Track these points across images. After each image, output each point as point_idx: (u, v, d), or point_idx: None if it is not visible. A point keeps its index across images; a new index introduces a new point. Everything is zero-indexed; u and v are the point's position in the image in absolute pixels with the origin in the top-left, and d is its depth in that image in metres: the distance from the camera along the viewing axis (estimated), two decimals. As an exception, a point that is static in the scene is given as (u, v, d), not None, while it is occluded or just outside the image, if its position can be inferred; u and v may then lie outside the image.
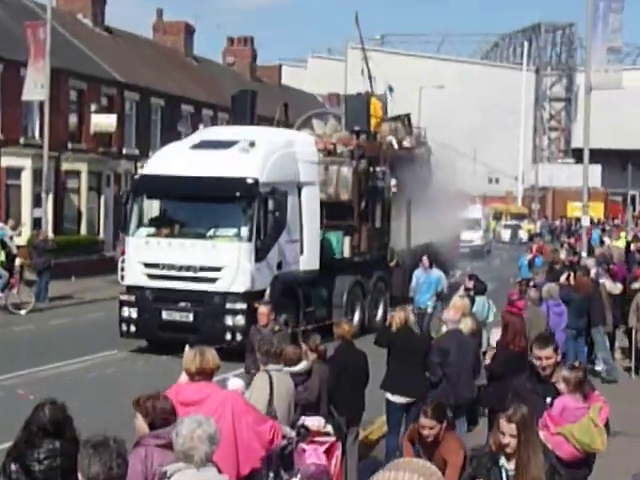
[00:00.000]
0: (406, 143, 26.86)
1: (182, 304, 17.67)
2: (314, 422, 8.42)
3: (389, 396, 10.64)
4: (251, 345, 10.81)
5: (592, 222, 40.72)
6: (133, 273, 18.20)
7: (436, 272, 19.24)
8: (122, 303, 18.24)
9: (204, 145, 18.88)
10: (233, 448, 6.37)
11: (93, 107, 35.55)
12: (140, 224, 18.60)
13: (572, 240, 37.09)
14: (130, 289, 18.30)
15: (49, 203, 29.82)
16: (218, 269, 17.42)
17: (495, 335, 15.02)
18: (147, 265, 17.93)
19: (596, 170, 67.17)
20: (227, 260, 17.35)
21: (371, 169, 22.22)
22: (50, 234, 28.35)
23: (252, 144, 18.13)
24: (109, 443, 4.37)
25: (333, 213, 21.05)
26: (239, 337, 16.94)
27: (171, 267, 17.61)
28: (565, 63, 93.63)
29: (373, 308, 22.00)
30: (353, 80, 39.53)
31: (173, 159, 18.68)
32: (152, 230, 18.42)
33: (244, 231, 17.50)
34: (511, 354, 10.78)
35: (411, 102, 49.78)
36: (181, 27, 50.40)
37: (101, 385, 15.01)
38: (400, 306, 11.82)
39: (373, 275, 22.14)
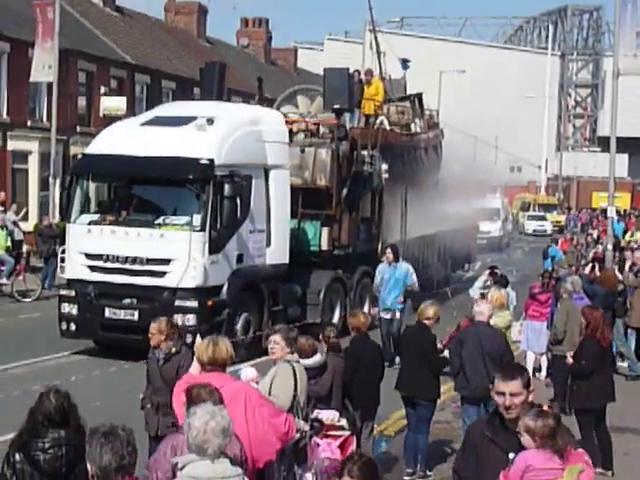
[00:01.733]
0: (414, 126, 25.99)
1: (127, 301, 16.16)
2: (328, 415, 8.47)
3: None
4: (148, 373, 9.34)
5: (618, 213, 40.68)
6: (74, 265, 16.66)
7: (403, 266, 16.86)
8: (61, 298, 16.87)
9: (157, 122, 17.33)
10: (247, 441, 6.40)
11: (102, 89, 35.60)
12: (83, 210, 17.08)
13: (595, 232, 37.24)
14: (71, 283, 16.82)
15: (56, 188, 29.97)
16: (167, 262, 15.91)
17: (515, 329, 15.04)
18: (89, 256, 16.42)
19: (623, 159, 66.89)
20: (177, 252, 15.83)
21: (355, 152, 20.29)
22: (56, 220, 28.48)
23: (210, 121, 16.52)
24: (118, 432, 4.42)
25: (310, 201, 19.26)
26: (189, 339, 15.59)
27: (115, 259, 16.14)
28: (592, 48, 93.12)
29: (357, 306, 19.76)
30: (371, 63, 39.47)
31: (120, 137, 17.09)
32: (95, 217, 16.90)
33: (197, 219, 15.95)
34: (599, 349, 10.75)
35: (431, 86, 49.67)
36: (194, 8, 50.38)
37: (109, 378, 15.07)
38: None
39: (357, 270, 20.42)
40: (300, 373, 7.73)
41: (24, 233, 25.53)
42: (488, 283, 15.87)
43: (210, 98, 19.77)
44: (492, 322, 11.50)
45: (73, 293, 16.56)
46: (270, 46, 57.60)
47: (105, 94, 35.67)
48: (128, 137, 16.89)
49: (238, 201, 16.09)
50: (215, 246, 16.02)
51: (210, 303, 15.89)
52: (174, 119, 17.17)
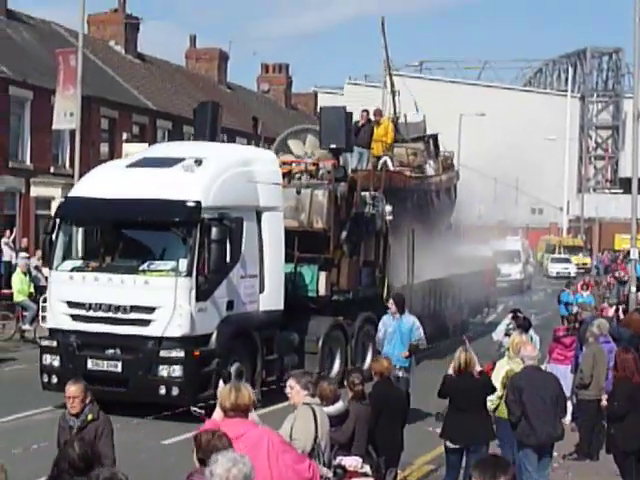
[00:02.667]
0: (427, 167, 25.38)
1: (110, 351, 15.27)
2: (351, 462, 8.38)
3: (447, 442, 10.42)
4: (59, 443, 8.22)
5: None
6: (55, 314, 15.79)
7: (409, 319, 15.14)
8: (43, 349, 16.01)
9: (143, 163, 16.54)
10: (270, 487, 6.38)
11: (125, 136, 35.79)
12: (65, 256, 16.24)
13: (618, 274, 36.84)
14: (52, 333, 15.95)
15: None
16: (151, 309, 14.97)
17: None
18: (71, 304, 15.54)
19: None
20: (162, 299, 14.88)
21: (355, 194, 19.35)
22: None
23: (198, 162, 15.78)
24: (119, 477, 4.41)
25: (306, 244, 18.36)
26: (175, 392, 14.77)
27: (98, 307, 15.22)
28: (612, 89, 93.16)
29: (359, 355, 19.15)
30: (391, 106, 39.62)
31: (104, 179, 16.39)
32: (78, 263, 16.11)
33: (183, 264, 15.03)
34: (632, 390, 10.59)
35: (450, 129, 49.79)
36: (215, 54, 50.85)
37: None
38: (462, 347, 10.80)
39: (359, 316, 19.32)
40: (321, 416, 7.67)
41: (47, 279, 25.62)
42: (511, 327, 15.71)
43: (203, 138, 19.02)
44: (508, 367, 11.44)
45: (55, 344, 15.74)
46: (290, 91, 57.96)
47: (127, 140, 35.83)
48: (113, 179, 16.22)
49: (228, 245, 15.32)
50: (203, 292, 15.16)
51: (197, 353, 14.99)
52: (161, 160, 16.44)
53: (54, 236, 16.27)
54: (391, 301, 15.24)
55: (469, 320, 27.71)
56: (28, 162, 31.35)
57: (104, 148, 35.44)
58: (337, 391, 8.85)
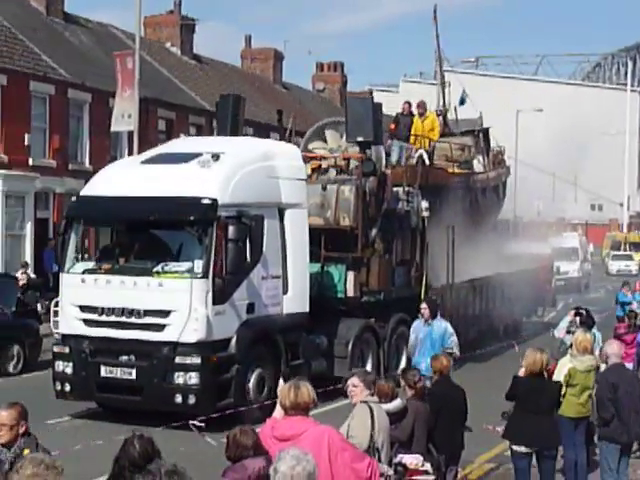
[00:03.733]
0: (476, 163, 24.58)
1: (124, 358, 14.44)
2: (412, 460, 8.38)
3: (514, 446, 10.11)
4: None
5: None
6: (67, 318, 14.97)
7: (441, 324, 14.26)
8: (55, 356, 15.10)
9: (158, 159, 15.67)
10: (330, 486, 6.39)
11: (182, 137, 36.11)
12: (78, 258, 15.42)
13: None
14: (65, 339, 15.08)
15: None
16: (166, 313, 14.10)
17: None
18: (83, 309, 14.72)
19: None
20: (177, 302, 14.04)
21: (386, 189, 18.35)
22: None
23: (216, 157, 14.86)
24: (183, 471, 4.46)
25: (333, 243, 17.50)
26: (192, 400, 13.91)
27: (110, 311, 14.38)
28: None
29: (393, 359, 18.27)
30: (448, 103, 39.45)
31: (117, 176, 15.58)
32: (90, 265, 15.24)
33: (198, 265, 14.12)
34: None
35: (508, 126, 49.45)
36: (270, 54, 50.94)
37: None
38: (534, 347, 10.43)
39: (391, 318, 18.31)
40: (379, 413, 7.67)
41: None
42: (572, 327, 15.46)
43: (223, 133, 18.28)
44: (571, 365, 11.30)
45: (67, 350, 14.87)
46: (346, 89, 57.84)
47: (185, 141, 36.17)
48: (125, 176, 15.40)
49: (248, 244, 14.49)
50: (220, 295, 14.22)
51: (215, 359, 14.10)
52: (177, 156, 15.57)
53: (66, 237, 15.44)
54: (423, 305, 14.23)
55: (522, 320, 26.70)
56: (87, 164, 31.57)
57: (162, 149, 35.69)
58: (394, 389, 8.87)
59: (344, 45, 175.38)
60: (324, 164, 18.61)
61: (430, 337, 13.96)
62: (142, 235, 15.32)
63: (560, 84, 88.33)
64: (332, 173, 18.49)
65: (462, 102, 31.04)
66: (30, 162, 29.19)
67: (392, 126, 22.61)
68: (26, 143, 29.21)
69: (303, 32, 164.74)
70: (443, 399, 9.57)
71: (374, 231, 18.17)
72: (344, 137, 19.36)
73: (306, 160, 18.02)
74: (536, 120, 60.67)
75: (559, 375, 11.17)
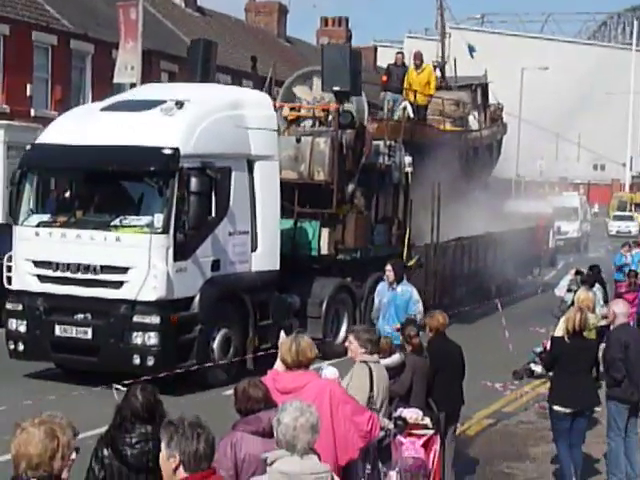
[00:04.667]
0: (471, 119, 23.78)
1: (79, 316, 13.53)
2: (412, 414, 8.41)
3: (556, 407, 9.74)
4: None
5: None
6: (21, 274, 14.00)
7: (406, 288, 13.00)
8: (8, 314, 14.16)
9: (119, 107, 14.57)
10: (331, 438, 6.38)
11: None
12: (32, 210, 14.36)
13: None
14: (19, 295, 14.06)
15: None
16: (124, 270, 13.19)
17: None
18: (37, 264, 13.82)
19: None
20: (135, 258, 13.15)
21: (364, 142, 17.24)
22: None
23: (180, 104, 13.74)
24: (204, 423, 4.49)
25: (307, 198, 16.55)
26: (151, 361, 13.05)
27: (65, 267, 13.47)
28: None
29: (369, 319, 16.56)
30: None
31: (75, 124, 14.44)
32: (45, 217, 14.16)
33: (158, 219, 13.17)
34: None
35: (512, 84, 49.22)
36: (274, 7, 50.40)
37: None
38: (576, 307, 10.05)
39: (369, 277, 17.19)
40: (378, 374, 7.68)
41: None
42: (573, 286, 15.46)
43: (194, 80, 17.30)
44: None
45: (20, 307, 13.95)
46: (350, 45, 57.67)
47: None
48: (84, 124, 14.28)
49: (213, 198, 13.59)
50: (182, 251, 13.30)
51: (175, 318, 13.24)
52: (140, 103, 14.48)
53: (20, 188, 14.32)
54: (388, 267, 12.97)
55: (517, 280, 26.03)
56: (89, 116, 31.55)
57: (164, 102, 35.52)
58: (392, 344, 8.92)
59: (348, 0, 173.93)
60: (302, 114, 17.69)
61: (394, 303, 12.81)
62: (100, 187, 14.19)
63: (565, 42, 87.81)
64: (307, 124, 17.54)
65: (471, 51, 30.54)
66: (32, 113, 28.96)
67: (384, 78, 21.84)
68: (28, 94, 28.94)
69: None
70: (441, 355, 9.58)
71: (351, 186, 17.21)
72: (313, 88, 18.44)
73: (282, 109, 17.30)
74: (541, 78, 60.40)
75: (559, 333, 11.17)
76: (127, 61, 28.23)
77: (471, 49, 30.38)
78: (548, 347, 11.05)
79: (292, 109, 17.62)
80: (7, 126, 27.66)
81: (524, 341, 16.22)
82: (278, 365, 6.82)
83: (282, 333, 7.48)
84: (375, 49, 62.50)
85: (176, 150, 13.18)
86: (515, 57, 64.82)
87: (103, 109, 14.69)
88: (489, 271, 22.86)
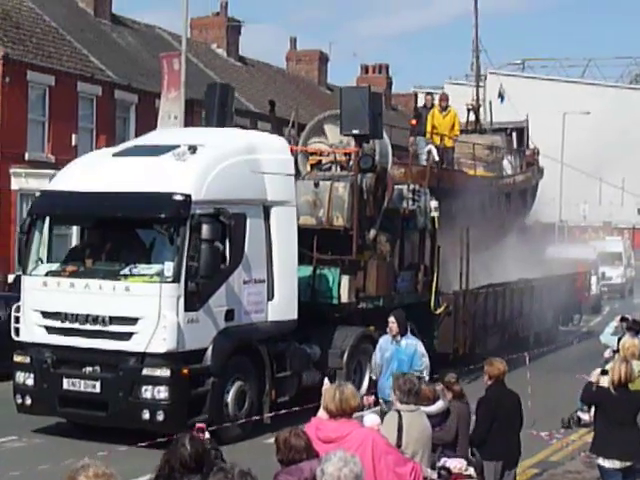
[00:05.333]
0: (506, 163, 23.44)
1: (88, 369, 13.11)
2: (456, 464, 8.35)
3: (601, 461, 9.50)
4: None
5: None
6: (29, 325, 13.61)
7: (411, 342, 12.16)
8: (16, 366, 13.70)
9: (132, 151, 14.37)
10: (374, 488, 6.39)
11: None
12: (41, 259, 14.02)
13: None
14: (26, 347, 13.70)
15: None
16: (133, 320, 12.79)
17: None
18: (45, 315, 13.43)
19: None
20: (145, 308, 12.72)
21: (384, 186, 16.98)
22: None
23: (193, 149, 13.51)
24: (253, 474, 4.48)
25: (327, 244, 16.20)
26: (160, 417, 12.55)
27: (74, 318, 13.06)
28: None
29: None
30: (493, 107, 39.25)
31: (86, 170, 14.18)
32: (54, 267, 13.82)
33: (169, 268, 12.74)
34: None
35: (554, 128, 49.01)
36: (315, 56, 50.89)
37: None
38: (621, 358, 9.84)
39: None
40: (410, 423, 7.57)
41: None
42: (618, 333, 15.24)
43: (210, 124, 16.94)
44: None
45: (28, 360, 13.52)
46: (390, 92, 57.70)
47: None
48: (94, 170, 14.02)
49: (227, 245, 13.14)
50: (194, 301, 12.86)
51: (186, 371, 12.77)
52: (152, 148, 14.18)
53: (30, 236, 14.04)
54: (391, 318, 12.17)
55: (557, 328, 25.20)
56: (133, 165, 31.88)
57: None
58: (435, 392, 8.86)
59: (389, 47, 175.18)
60: (324, 160, 17.34)
61: (397, 357, 12.02)
62: (110, 234, 13.91)
63: (607, 87, 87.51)
64: (332, 168, 17.20)
65: (501, 98, 30.51)
66: (77, 162, 29.43)
67: (413, 122, 21.56)
68: (73, 144, 29.30)
69: (348, 34, 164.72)
70: (500, 404, 9.45)
71: (373, 232, 16.74)
72: None
73: (303, 154, 17.11)
74: (583, 123, 60.16)
75: (605, 384, 11.00)
76: (170, 110, 28.55)
77: (501, 95, 30.32)
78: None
79: (313, 154, 17.35)
80: (53, 176, 28.00)
81: (571, 389, 15.95)
82: (321, 413, 6.79)
83: (326, 380, 7.45)
84: (415, 95, 62.60)
85: (187, 196, 12.89)
86: (556, 102, 64.68)
87: (115, 154, 14.41)
88: (525, 319, 22.16)
